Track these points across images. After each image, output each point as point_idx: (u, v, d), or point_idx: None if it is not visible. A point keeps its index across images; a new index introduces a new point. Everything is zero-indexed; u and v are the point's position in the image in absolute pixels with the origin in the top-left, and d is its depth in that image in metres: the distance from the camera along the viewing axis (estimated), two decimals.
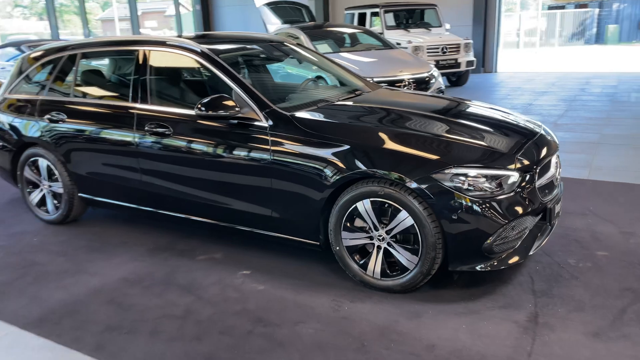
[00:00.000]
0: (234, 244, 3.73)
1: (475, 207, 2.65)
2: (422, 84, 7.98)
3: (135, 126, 3.62)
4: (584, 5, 31.43)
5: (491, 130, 3.14)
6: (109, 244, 3.88)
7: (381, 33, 11.50)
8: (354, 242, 3.00)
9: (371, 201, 2.86)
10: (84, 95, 4.18)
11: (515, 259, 2.82)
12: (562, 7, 32.02)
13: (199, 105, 3.22)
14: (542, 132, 3.27)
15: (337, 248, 3.04)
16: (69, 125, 3.95)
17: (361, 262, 3.00)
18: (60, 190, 4.16)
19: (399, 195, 2.76)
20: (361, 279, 3.02)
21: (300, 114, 3.21)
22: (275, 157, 3.08)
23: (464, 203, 2.65)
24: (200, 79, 4.00)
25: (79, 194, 4.12)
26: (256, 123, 3.19)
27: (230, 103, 3.19)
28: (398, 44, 10.70)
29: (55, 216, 4.26)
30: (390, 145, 2.87)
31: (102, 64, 4.42)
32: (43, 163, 4.20)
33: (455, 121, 3.27)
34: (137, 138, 3.60)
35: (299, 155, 3.01)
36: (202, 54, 3.50)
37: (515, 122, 3.36)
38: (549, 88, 11.30)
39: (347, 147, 2.90)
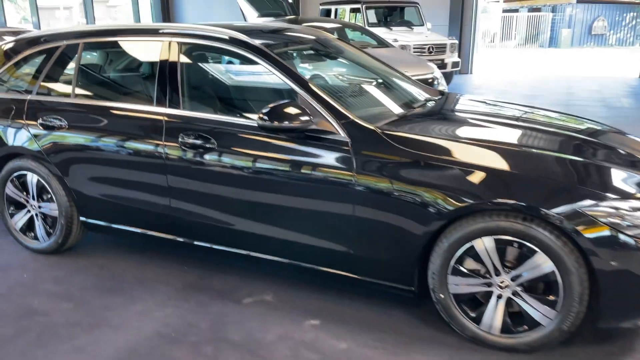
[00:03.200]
0: (280, 280, 3.06)
1: None
2: None
3: (164, 136, 2.89)
4: (538, 10, 32.16)
5: (622, 150, 2.63)
6: (124, 281, 3.12)
7: None
8: (464, 290, 2.41)
9: (495, 239, 2.28)
10: (90, 95, 3.39)
11: None
12: (516, 11, 32.66)
13: (262, 115, 2.55)
14: None
15: (441, 296, 2.45)
16: (69, 133, 3.16)
17: (473, 314, 2.42)
18: (55, 213, 3.35)
19: (536, 233, 2.20)
20: (473, 335, 2.44)
21: (389, 127, 2.59)
22: (361, 180, 2.45)
23: (626, 242, 2.12)
24: (251, 80, 3.30)
25: (81, 218, 3.33)
26: (331, 137, 2.55)
27: (301, 112, 2.54)
28: None
29: (46, 244, 3.45)
30: (524, 169, 2.30)
31: (115, 57, 3.63)
32: (32, 178, 3.38)
33: (582, 139, 2.75)
34: (167, 151, 2.87)
35: (396, 179, 2.40)
36: (257, 50, 2.81)
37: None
38: (536, 92, 11.11)
39: (465, 170, 2.31)
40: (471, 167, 2.31)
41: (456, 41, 11.59)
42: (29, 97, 3.38)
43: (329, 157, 2.53)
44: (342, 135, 2.53)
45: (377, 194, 2.43)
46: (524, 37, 30.71)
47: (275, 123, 2.53)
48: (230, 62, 3.30)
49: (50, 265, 3.34)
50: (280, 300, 2.89)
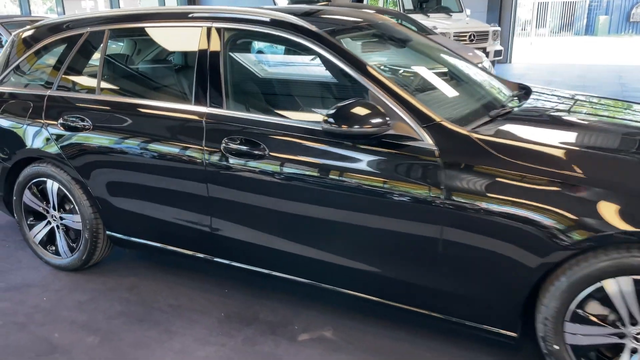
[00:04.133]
0: (341, 311, 2.59)
1: None
2: None
3: (204, 141, 2.42)
4: None
5: None
6: (156, 309, 2.68)
7: None
8: (587, 341, 1.90)
9: (635, 280, 1.76)
10: (118, 91, 2.95)
11: None
12: None
13: (327, 118, 2.06)
14: None
15: (555, 347, 1.94)
16: (94, 135, 2.72)
17: None
18: (78, 225, 2.93)
19: None
20: None
21: (485, 131, 2.08)
22: (452, 198, 1.95)
23: None
24: (309, 74, 2.81)
25: (107, 232, 2.90)
26: (411, 144, 2.05)
27: (375, 113, 2.04)
28: None
29: (69, 260, 3.03)
30: None
31: (146, 46, 3.17)
32: (52, 186, 2.95)
33: None
34: (208, 157, 2.41)
35: (499, 197, 1.89)
36: (317, 37, 2.31)
37: None
38: (585, 82, 10.38)
39: (597, 189, 1.79)
40: (605, 186, 1.79)
41: (499, 28, 10.90)
42: (48, 92, 2.94)
43: (408, 169, 2.04)
44: (426, 141, 2.03)
45: (473, 215, 1.93)
46: (558, 24, 29.56)
47: (344, 127, 2.04)
48: (284, 52, 2.81)
49: (73, 286, 2.92)
50: (344, 337, 2.41)
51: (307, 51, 2.38)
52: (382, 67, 2.59)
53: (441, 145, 2.01)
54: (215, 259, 2.62)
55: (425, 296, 2.13)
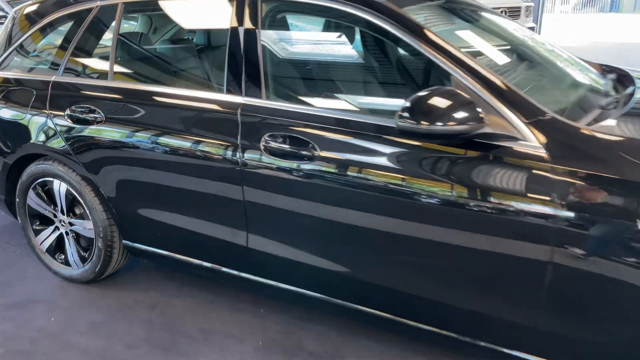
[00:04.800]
0: (396, 340, 2.17)
1: None
2: None
3: (240, 137, 1.99)
4: None
5: None
6: (183, 333, 2.28)
7: None
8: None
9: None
10: (134, 77, 2.53)
11: None
12: None
13: (403, 112, 1.61)
14: None
15: None
16: (106, 127, 2.30)
17: None
18: (90, 233, 2.53)
19: None
20: None
21: (610, 130, 1.62)
22: (572, 213, 1.50)
23: None
24: (369, 54, 2.34)
25: (124, 241, 2.50)
26: (511, 145, 1.60)
27: (465, 106, 1.58)
28: None
29: (80, 272, 2.63)
30: None
31: (166, 24, 2.73)
32: (59, 187, 2.55)
33: None
34: (244, 157, 1.97)
35: None
36: (380, 9, 1.85)
37: None
38: (627, 61, 9.75)
39: None
40: None
41: (532, 4, 10.24)
42: (53, 77, 2.51)
43: (508, 177, 1.59)
44: (531, 142, 1.58)
45: (607, 236, 1.48)
46: (581, 0, 28.54)
47: (424, 125, 1.59)
48: (335, 29, 2.34)
49: (86, 303, 2.52)
50: None
51: (371, 27, 1.91)
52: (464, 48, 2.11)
53: (553, 147, 1.55)
54: (252, 277, 2.20)
55: (524, 335, 1.70)
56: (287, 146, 1.90)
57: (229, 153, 2.01)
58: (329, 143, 1.84)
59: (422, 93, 1.60)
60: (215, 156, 2.04)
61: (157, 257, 2.46)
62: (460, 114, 1.56)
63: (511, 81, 1.76)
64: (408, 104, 1.60)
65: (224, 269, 2.26)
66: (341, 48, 2.29)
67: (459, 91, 1.62)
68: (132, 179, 2.29)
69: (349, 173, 1.79)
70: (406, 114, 1.61)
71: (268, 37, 2.09)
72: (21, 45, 2.72)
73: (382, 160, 1.75)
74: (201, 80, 2.66)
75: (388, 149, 1.75)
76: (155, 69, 2.68)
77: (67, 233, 2.63)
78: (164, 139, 2.16)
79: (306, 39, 2.35)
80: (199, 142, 2.08)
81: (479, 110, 1.58)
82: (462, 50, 1.77)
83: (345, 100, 2.06)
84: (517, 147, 1.59)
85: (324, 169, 1.83)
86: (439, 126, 1.57)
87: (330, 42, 2.32)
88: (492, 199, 1.59)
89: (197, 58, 2.73)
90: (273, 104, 1.98)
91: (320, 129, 1.86)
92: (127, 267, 2.77)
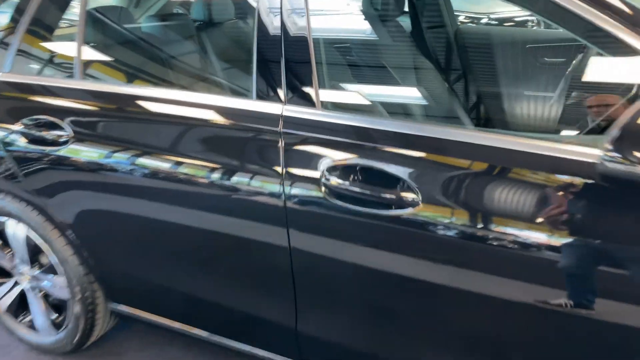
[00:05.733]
0: None
1: None
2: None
3: (283, 163, 1.26)
4: None
5: None
6: None
7: None
8: None
9: None
10: (113, 75, 1.78)
11: None
12: None
13: (611, 144, 0.90)
14: None
15: None
16: (78, 147, 1.55)
17: None
18: (63, 292, 1.81)
19: None
20: None
21: None
22: None
23: None
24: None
25: (111, 305, 1.78)
26: None
27: None
28: None
29: (53, 340, 1.92)
30: None
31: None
32: (16, 229, 1.82)
33: None
34: (290, 192, 1.25)
35: None
36: None
37: None
38: None
39: None
40: None
41: None
42: None
43: None
44: None
45: None
46: None
47: None
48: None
49: None
50: None
51: None
52: None
53: None
54: None
55: None
56: (366, 184, 1.18)
57: (267, 186, 1.29)
58: (438, 182, 1.13)
59: (630, 114, 0.89)
60: (243, 189, 1.32)
61: (158, 326, 1.75)
62: None
63: None
64: (617, 133, 0.89)
65: (259, 353, 1.56)
66: (438, 34, 1.56)
67: None
68: (119, 221, 1.57)
69: (477, 233, 1.09)
70: (615, 148, 0.90)
71: (320, 20, 1.36)
72: None
73: (557, 213, 1.04)
74: (209, 79, 1.93)
75: (574, 197, 1.03)
76: (143, 60, 1.92)
77: (32, 290, 1.91)
78: (162, 165, 1.43)
79: (380, 20, 1.61)
80: (214, 170, 1.36)
81: None
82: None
83: (460, 114, 1.34)
84: None
85: (430, 222, 1.12)
86: None
87: (421, 22, 1.57)
88: None
89: (212, 47, 1.98)
90: (337, 116, 1.26)
91: (425, 162, 1.15)
92: (118, 329, 2.06)
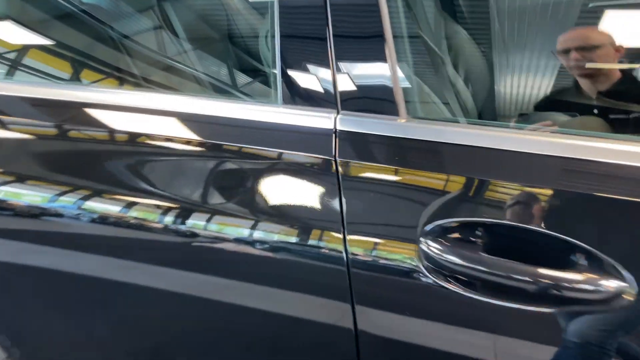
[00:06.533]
0: None
1: None
2: None
3: (343, 209, 0.74)
4: None
5: None
6: None
7: None
8: None
9: None
10: (68, 72, 1.20)
11: None
12: None
13: None
14: None
15: None
16: (6, 188, 0.99)
17: None
18: None
19: None
20: None
21: None
22: None
23: None
24: None
25: None
26: None
27: None
28: None
29: None
30: None
31: None
32: None
33: None
34: (354, 260, 0.74)
35: None
36: None
37: None
38: None
39: None
40: None
41: None
42: None
43: None
44: None
45: None
46: None
47: None
48: None
49: None
50: None
51: None
52: None
53: None
54: None
55: None
56: (511, 283, 0.68)
57: (320, 245, 0.78)
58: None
59: None
60: (283, 259, 0.81)
61: None
62: None
63: None
64: None
65: None
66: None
67: None
68: (78, 309, 1.01)
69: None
70: None
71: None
72: None
73: None
74: (210, 81, 1.33)
75: None
76: (89, 43, 1.30)
77: None
78: (146, 219, 0.88)
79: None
80: (229, 223, 0.84)
81: None
82: None
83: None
84: None
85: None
86: None
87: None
88: None
89: (175, 15, 1.38)
90: (453, 131, 0.74)
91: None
92: None
